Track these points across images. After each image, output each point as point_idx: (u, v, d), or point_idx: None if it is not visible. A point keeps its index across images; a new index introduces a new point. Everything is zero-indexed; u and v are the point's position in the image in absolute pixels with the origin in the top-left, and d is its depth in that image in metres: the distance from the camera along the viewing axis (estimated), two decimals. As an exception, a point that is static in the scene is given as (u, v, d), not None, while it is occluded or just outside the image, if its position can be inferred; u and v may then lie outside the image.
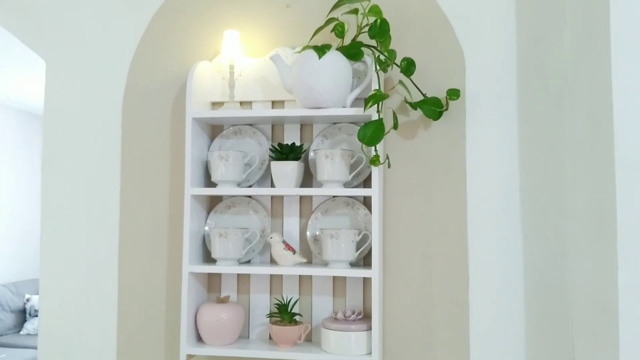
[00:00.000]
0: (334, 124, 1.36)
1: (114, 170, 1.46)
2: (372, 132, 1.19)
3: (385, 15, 1.24)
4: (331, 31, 1.28)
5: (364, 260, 1.33)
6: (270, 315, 1.33)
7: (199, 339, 1.31)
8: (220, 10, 1.42)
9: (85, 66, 1.49)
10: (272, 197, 1.38)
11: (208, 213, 1.39)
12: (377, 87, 1.22)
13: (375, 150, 1.21)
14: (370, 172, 1.24)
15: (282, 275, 1.35)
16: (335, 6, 1.27)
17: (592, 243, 1.15)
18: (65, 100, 1.50)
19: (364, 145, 1.20)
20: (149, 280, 1.42)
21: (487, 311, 1.28)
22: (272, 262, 1.35)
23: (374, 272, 1.21)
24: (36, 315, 4.42)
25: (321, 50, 1.24)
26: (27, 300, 4.09)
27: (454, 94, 1.28)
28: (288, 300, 1.31)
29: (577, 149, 1.22)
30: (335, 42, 1.29)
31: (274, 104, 1.39)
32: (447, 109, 1.28)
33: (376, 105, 1.20)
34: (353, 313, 1.27)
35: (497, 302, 1.28)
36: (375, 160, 1.21)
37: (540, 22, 1.30)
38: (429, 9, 1.34)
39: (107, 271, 1.44)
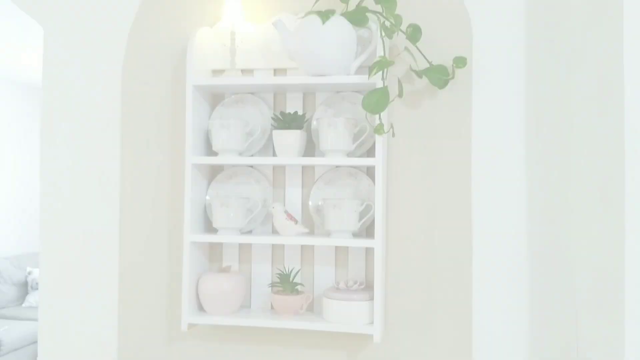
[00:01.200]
0: (338, 92, 1.33)
1: (114, 139, 1.44)
2: (376, 100, 1.17)
3: (391, -20, 1.21)
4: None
5: (367, 231, 1.32)
6: (272, 285, 1.32)
7: (201, 308, 1.31)
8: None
9: (83, 32, 1.46)
10: (274, 166, 1.36)
11: (209, 183, 1.37)
12: (382, 54, 1.19)
13: (380, 118, 1.19)
14: (374, 142, 1.22)
15: (284, 245, 1.34)
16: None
17: (599, 214, 1.13)
18: (64, 67, 1.47)
19: (368, 114, 1.18)
20: (150, 250, 1.41)
21: (491, 283, 1.27)
22: (274, 232, 1.34)
23: (376, 242, 1.20)
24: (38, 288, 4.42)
25: (325, 15, 1.21)
26: (29, 273, 4.10)
27: (460, 62, 1.25)
28: (290, 270, 1.30)
29: (586, 119, 1.20)
30: (340, 7, 1.26)
31: (277, 71, 1.36)
32: (453, 78, 1.25)
33: (381, 72, 1.18)
34: (355, 283, 1.27)
35: (501, 273, 1.27)
36: (379, 129, 1.19)
37: (550, -12, 1.27)
38: (435, -26, 1.31)
39: (108, 241, 1.43)
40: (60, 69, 1.47)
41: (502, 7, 1.29)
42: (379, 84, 1.19)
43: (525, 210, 1.26)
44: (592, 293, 1.16)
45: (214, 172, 1.38)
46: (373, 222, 1.24)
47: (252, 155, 1.35)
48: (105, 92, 1.45)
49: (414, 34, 1.24)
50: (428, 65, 1.25)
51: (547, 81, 1.26)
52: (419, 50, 1.25)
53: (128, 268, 1.42)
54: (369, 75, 1.18)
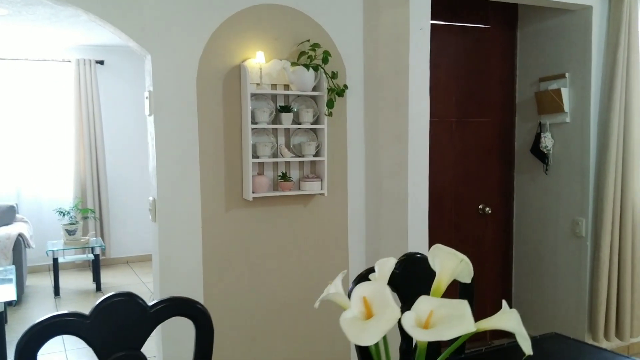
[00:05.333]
0: (299, 96, 3.11)
1: (194, 122, 2.85)
2: (330, 103, 3.03)
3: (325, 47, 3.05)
4: (305, 56, 3.02)
5: (317, 154, 3.16)
6: (279, 177, 3.05)
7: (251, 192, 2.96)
8: (256, 37, 2.96)
9: (174, 56, 2.81)
10: (279, 129, 3.05)
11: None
12: (328, 86, 3.04)
13: (328, 109, 3.04)
14: (321, 119, 3.07)
15: (281, 162, 3.08)
16: (302, 54, 3.01)
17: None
18: (164, 77, 2.80)
19: (326, 108, 3.03)
20: (215, 170, 2.93)
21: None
22: (277, 156, 3.06)
23: (324, 159, 3.08)
24: None
25: (306, 66, 2.97)
26: None
27: (345, 87, 3.19)
28: (284, 172, 3.06)
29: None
30: (301, 56, 3.03)
31: (272, 86, 3.04)
32: (343, 94, 3.18)
33: (329, 92, 3.03)
34: (312, 175, 3.12)
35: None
36: (329, 113, 3.05)
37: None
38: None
39: (193, 171, 2.88)
40: (162, 78, 2.80)
41: (358, 58, 3.26)
42: (325, 97, 3.03)
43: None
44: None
45: (254, 131, 2.98)
46: (320, 151, 3.09)
47: (268, 124, 3.01)
48: (187, 93, 2.85)
49: (334, 75, 3.11)
50: (335, 87, 3.15)
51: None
52: (333, 81, 3.12)
53: (206, 184, 2.91)
54: (327, 108, 3.02)
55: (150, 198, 2.95)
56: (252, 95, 2.93)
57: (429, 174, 3.28)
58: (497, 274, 4.15)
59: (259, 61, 2.93)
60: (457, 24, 3.80)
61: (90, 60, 6.42)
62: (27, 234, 5.57)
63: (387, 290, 1.03)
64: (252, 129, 2.92)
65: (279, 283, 3.13)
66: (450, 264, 1.23)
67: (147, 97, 2.85)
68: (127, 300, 1.49)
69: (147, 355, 1.51)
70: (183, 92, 2.84)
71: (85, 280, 6.11)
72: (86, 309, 1.47)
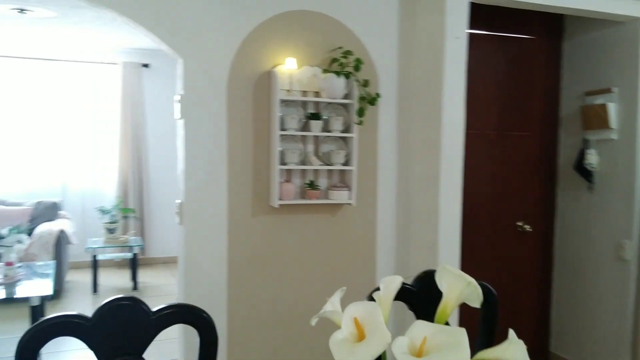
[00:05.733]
0: (330, 103, 3.06)
1: (223, 127, 2.85)
2: (359, 112, 2.97)
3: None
4: (336, 64, 2.97)
5: (345, 163, 3.10)
6: (306, 185, 3.01)
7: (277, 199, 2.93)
8: (288, 43, 2.94)
9: (205, 61, 2.82)
10: (307, 136, 3.01)
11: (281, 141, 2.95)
12: (359, 93, 2.98)
13: (359, 117, 2.98)
14: (351, 127, 3.01)
15: (309, 169, 3.04)
16: (333, 61, 2.97)
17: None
18: (195, 82, 2.81)
19: (356, 115, 2.97)
20: (243, 176, 2.92)
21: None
22: (305, 163, 3.02)
23: (353, 168, 3.01)
24: None
25: (337, 73, 2.92)
26: None
27: (378, 95, 3.12)
28: (312, 180, 3.01)
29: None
30: (333, 63, 2.98)
31: (303, 93, 3.00)
32: (375, 102, 3.11)
33: (360, 100, 2.97)
34: (340, 184, 3.06)
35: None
36: (360, 122, 2.99)
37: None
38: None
39: (221, 176, 2.88)
40: (193, 82, 2.81)
41: (392, 66, 3.19)
42: (356, 105, 2.97)
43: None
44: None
45: (282, 138, 2.95)
46: (349, 160, 3.03)
47: (297, 131, 2.98)
48: (217, 97, 2.85)
49: (365, 84, 3.05)
50: (367, 95, 3.08)
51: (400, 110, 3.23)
52: (366, 92, 3.06)
53: (234, 184, 2.90)
54: (358, 115, 2.96)
55: (178, 201, 2.96)
56: (282, 101, 2.91)
57: (464, 187, 3.17)
58: (535, 295, 3.97)
59: (289, 67, 2.90)
60: (500, 34, 3.67)
61: (136, 63, 6.57)
62: (69, 231, 5.73)
63: (379, 312, 0.97)
64: (280, 135, 2.89)
65: (302, 293, 3.07)
66: (457, 286, 1.16)
67: (177, 101, 2.87)
68: (131, 305, 1.47)
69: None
70: (213, 96, 2.84)
71: (124, 278, 6.23)
72: None
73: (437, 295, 1.75)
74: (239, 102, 2.89)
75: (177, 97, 2.88)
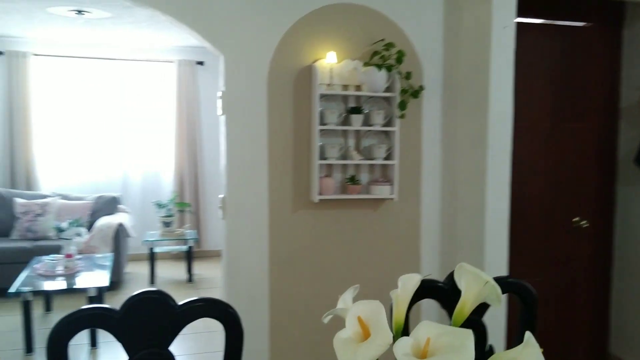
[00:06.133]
0: (371, 97, 3.01)
1: (263, 122, 2.86)
2: (402, 105, 2.91)
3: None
4: (377, 56, 2.92)
5: (386, 157, 3.05)
6: (346, 180, 2.98)
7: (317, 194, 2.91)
8: (328, 37, 2.92)
9: (246, 57, 2.84)
10: (347, 130, 2.99)
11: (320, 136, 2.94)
12: (401, 87, 2.92)
13: (401, 111, 2.92)
14: (392, 120, 2.95)
15: (349, 164, 3.01)
16: (375, 54, 2.91)
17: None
18: (235, 78, 2.84)
19: (398, 109, 2.91)
20: (283, 171, 2.92)
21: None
22: (344, 158, 2.99)
23: (395, 162, 2.96)
24: None
25: (378, 67, 2.87)
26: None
27: (421, 88, 3.05)
28: (352, 175, 2.98)
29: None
30: (373, 56, 2.93)
31: (344, 87, 2.97)
32: (418, 95, 3.03)
33: (402, 93, 2.91)
34: (382, 179, 3.01)
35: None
36: (402, 115, 2.93)
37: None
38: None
39: (262, 171, 2.89)
40: (233, 78, 2.83)
41: (437, 58, 3.11)
42: (398, 98, 2.91)
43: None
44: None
45: (323, 132, 2.93)
46: (391, 154, 2.98)
47: (337, 124, 2.95)
48: (257, 92, 2.86)
49: (408, 76, 2.98)
50: (410, 88, 3.02)
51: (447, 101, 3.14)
52: (407, 82, 2.99)
53: (275, 185, 2.91)
54: (400, 110, 2.90)
55: (221, 196, 3.00)
56: (322, 96, 2.89)
57: (515, 182, 3.05)
58: (592, 295, 3.78)
59: (330, 61, 2.87)
60: (554, 22, 3.50)
61: (191, 61, 6.72)
62: (127, 224, 5.94)
63: (382, 311, 0.94)
64: (320, 130, 2.88)
65: (343, 288, 3.04)
66: (475, 285, 1.11)
67: (219, 97, 2.90)
68: (157, 298, 1.50)
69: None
70: (254, 92, 2.86)
71: (179, 270, 6.41)
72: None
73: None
74: (279, 97, 2.89)
75: (219, 94, 2.91)
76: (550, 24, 3.48)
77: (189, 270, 6.02)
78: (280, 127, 2.90)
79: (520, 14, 2.98)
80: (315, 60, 2.91)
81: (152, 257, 5.96)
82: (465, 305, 1.12)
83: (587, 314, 3.74)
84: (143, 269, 6.32)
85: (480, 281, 1.09)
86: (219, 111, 2.93)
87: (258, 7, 2.83)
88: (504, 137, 2.96)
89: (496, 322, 2.85)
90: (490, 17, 2.89)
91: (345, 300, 1.09)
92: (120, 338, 1.46)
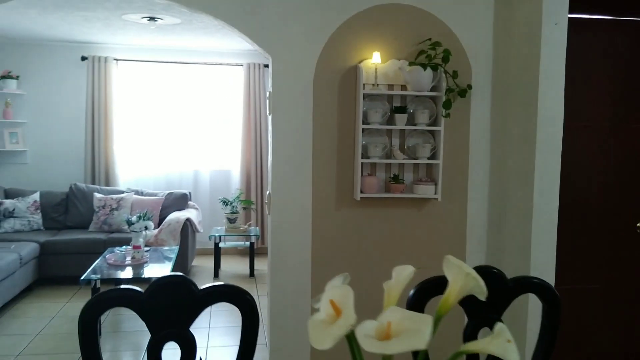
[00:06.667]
0: (417, 96, 3.01)
1: (309, 122, 2.95)
2: (447, 104, 2.89)
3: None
4: (423, 55, 2.93)
5: (432, 157, 3.05)
6: (390, 179, 3.00)
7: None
8: (374, 37, 2.96)
9: (293, 58, 2.93)
10: (392, 130, 3.01)
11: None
12: (447, 86, 2.91)
13: (446, 111, 2.91)
14: (437, 119, 2.94)
15: (393, 164, 3.03)
16: (421, 53, 2.91)
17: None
18: (283, 79, 2.94)
19: (443, 109, 2.90)
20: (327, 169, 2.99)
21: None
22: (389, 157, 3.01)
23: (439, 162, 2.94)
24: (10, 216, 5.56)
25: (423, 66, 2.88)
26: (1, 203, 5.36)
27: (469, 87, 3.01)
28: (396, 174, 2.99)
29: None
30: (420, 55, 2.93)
31: (389, 86, 2.99)
32: (466, 95, 3.00)
33: (448, 92, 2.90)
34: (426, 178, 3.00)
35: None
36: (446, 115, 2.92)
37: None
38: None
39: (306, 169, 2.97)
40: (281, 79, 2.93)
41: (487, 57, 3.06)
42: (443, 98, 2.90)
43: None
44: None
45: (367, 132, 2.97)
46: (436, 153, 2.97)
47: (381, 124, 2.98)
48: (304, 92, 2.95)
49: (455, 75, 2.96)
50: (456, 87, 2.99)
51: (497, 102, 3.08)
52: (456, 84, 2.97)
53: (317, 173, 2.99)
54: (445, 109, 2.89)
55: (267, 192, 3.12)
56: (367, 95, 2.93)
57: (570, 184, 2.96)
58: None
59: (375, 61, 2.91)
60: (617, 17, 3.35)
61: (259, 65, 6.94)
62: (195, 220, 6.22)
63: (351, 294, 0.98)
64: (364, 129, 2.92)
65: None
66: (458, 278, 1.13)
67: (267, 98, 3.01)
68: (179, 282, 1.61)
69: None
70: (300, 92, 2.95)
71: (243, 265, 6.63)
72: None
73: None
74: (324, 97, 2.96)
75: (267, 94, 3.02)
76: (612, 19, 3.33)
77: (251, 265, 6.22)
78: (325, 126, 2.97)
79: (576, 10, 2.89)
80: (361, 61, 2.96)
81: (217, 252, 6.20)
82: (451, 296, 1.13)
83: (651, 327, 3.53)
84: (209, 262, 6.59)
85: (462, 273, 1.10)
86: (268, 111, 3.04)
87: (306, 9, 2.91)
88: (554, 137, 2.88)
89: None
90: (540, 14, 2.82)
91: (334, 286, 1.13)
92: (144, 316, 1.58)
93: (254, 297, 1.67)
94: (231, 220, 6.33)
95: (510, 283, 1.75)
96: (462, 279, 1.12)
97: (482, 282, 1.10)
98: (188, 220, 6.00)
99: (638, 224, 3.48)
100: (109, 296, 1.58)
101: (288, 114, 2.95)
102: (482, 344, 0.98)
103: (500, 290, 1.75)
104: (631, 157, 3.41)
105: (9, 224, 5.79)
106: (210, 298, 1.63)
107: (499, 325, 0.99)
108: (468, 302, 1.72)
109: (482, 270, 1.78)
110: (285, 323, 2.99)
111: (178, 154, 7.09)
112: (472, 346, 0.99)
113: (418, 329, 0.89)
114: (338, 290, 1.00)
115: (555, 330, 1.74)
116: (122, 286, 1.59)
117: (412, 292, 1.75)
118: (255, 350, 1.66)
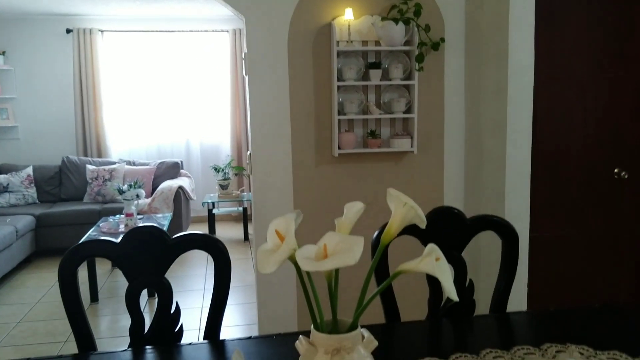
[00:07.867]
0: (392, 52, 3.06)
1: (285, 81, 2.99)
2: (420, 58, 2.94)
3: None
4: (395, 10, 2.96)
5: (407, 110, 3.11)
6: (367, 135, 3.07)
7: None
8: (343, -2, 3.00)
9: (266, 18, 2.97)
10: (366, 85, 3.07)
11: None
12: (419, 40, 2.95)
13: (419, 64, 2.96)
14: (411, 73, 2.99)
15: (370, 119, 3.09)
16: (393, 8, 2.94)
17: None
18: (257, 39, 2.98)
19: (416, 62, 2.95)
20: (306, 127, 3.05)
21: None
22: (364, 113, 3.07)
23: (414, 115, 3.01)
24: (5, 191, 5.62)
25: (395, 20, 2.91)
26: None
27: (441, 40, 3.05)
28: (373, 129, 3.06)
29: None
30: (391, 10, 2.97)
31: (363, 42, 3.03)
32: (438, 48, 3.05)
33: (420, 46, 2.94)
34: (402, 132, 3.07)
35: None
36: (420, 68, 2.96)
37: (475, 10, 3.11)
38: None
39: (285, 128, 3.04)
40: (255, 40, 2.97)
41: (459, 9, 3.10)
42: (416, 51, 2.95)
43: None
44: (490, 132, 3.10)
45: (342, 89, 3.03)
46: (411, 107, 3.03)
47: (356, 80, 3.04)
48: (279, 52, 2.99)
49: (427, 29, 3.00)
50: (429, 40, 3.03)
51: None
52: (428, 37, 3.01)
53: (296, 132, 3.05)
54: (418, 63, 2.94)
55: (248, 152, 3.18)
56: (341, 52, 2.97)
57: (549, 134, 3.02)
58: (635, 247, 3.67)
59: (348, 18, 2.94)
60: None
61: (243, 30, 6.92)
62: (188, 188, 6.31)
63: (292, 222, 1.06)
64: (339, 86, 2.97)
65: (366, 240, 3.17)
66: (399, 208, 1.21)
67: (243, 59, 3.05)
68: (152, 232, 1.69)
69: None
70: (275, 52, 2.99)
71: (237, 230, 6.75)
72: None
73: (447, 231, 1.77)
74: (299, 56, 3.00)
75: (243, 55, 3.06)
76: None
77: (245, 229, 6.33)
78: (302, 84, 3.02)
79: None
80: (334, 18, 2.99)
81: (211, 218, 6.31)
82: (393, 225, 1.22)
83: (630, 268, 3.65)
84: (204, 229, 6.70)
85: (402, 204, 1.18)
86: (244, 72, 3.09)
87: (277, -31, 2.93)
88: (525, 88, 2.93)
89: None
90: (509, -36, 2.84)
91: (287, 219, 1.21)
92: (119, 265, 1.67)
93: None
94: (223, 187, 6.41)
95: (469, 221, 1.83)
96: (402, 209, 1.20)
97: (420, 212, 1.18)
98: (180, 188, 6.08)
99: (615, 170, 3.56)
100: (86, 247, 1.66)
101: (264, 75, 3.00)
102: (415, 263, 1.06)
103: (460, 229, 1.83)
104: (608, 107, 3.47)
105: (4, 199, 5.88)
106: (181, 246, 1.72)
107: (429, 246, 1.07)
108: (430, 240, 1.81)
109: (443, 211, 1.89)
110: (271, 278, 3.10)
111: (169, 123, 7.13)
112: (406, 266, 1.08)
113: (350, 248, 0.98)
114: (281, 220, 1.08)
115: (515, 263, 1.84)
116: (98, 237, 1.67)
117: (375, 233, 1.83)
118: (230, 291, 1.75)
